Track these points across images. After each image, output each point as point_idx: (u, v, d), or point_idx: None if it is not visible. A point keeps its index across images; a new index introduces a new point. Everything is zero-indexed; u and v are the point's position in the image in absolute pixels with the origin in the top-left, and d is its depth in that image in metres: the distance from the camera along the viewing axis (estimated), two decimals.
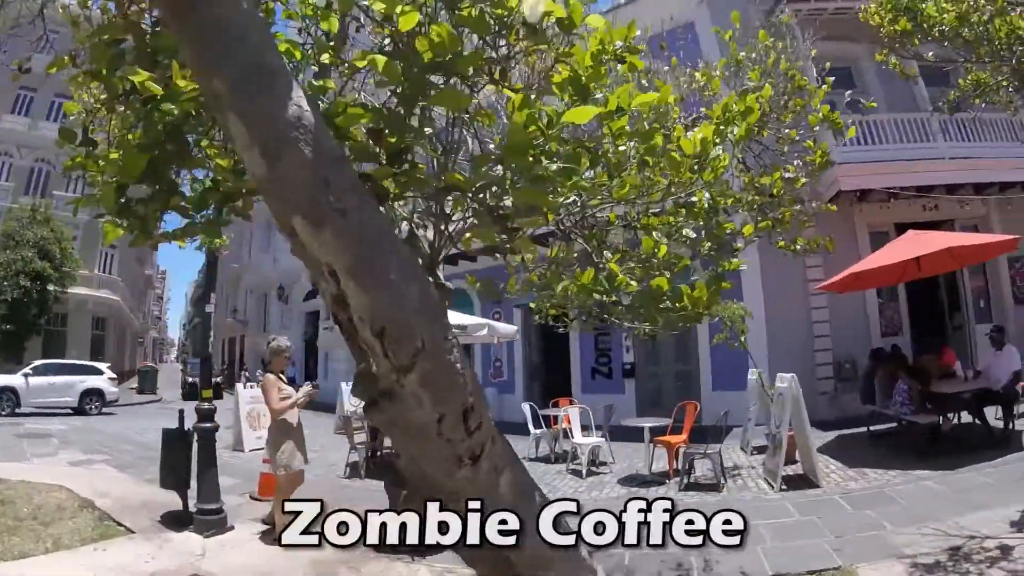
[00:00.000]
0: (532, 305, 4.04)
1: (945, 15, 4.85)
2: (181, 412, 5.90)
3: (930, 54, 5.74)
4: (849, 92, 5.88)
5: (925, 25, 4.83)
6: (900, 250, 8.02)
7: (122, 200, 1.86)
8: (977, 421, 7.48)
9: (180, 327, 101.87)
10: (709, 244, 2.78)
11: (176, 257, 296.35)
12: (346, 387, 13.47)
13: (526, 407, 9.16)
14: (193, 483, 5.68)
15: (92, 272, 25.81)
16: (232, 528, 5.54)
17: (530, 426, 8.94)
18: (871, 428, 8.37)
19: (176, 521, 5.59)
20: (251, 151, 1.19)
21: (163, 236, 2.15)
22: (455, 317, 8.92)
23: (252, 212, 2.14)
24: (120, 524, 5.53)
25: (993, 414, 7.41)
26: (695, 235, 2.65)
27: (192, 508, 5.57)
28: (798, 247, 3.64)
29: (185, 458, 5.65)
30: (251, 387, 11.29)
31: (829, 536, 4.95)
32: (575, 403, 9.59)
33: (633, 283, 2.28)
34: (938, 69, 9.06)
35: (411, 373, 1.26)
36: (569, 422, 8.28)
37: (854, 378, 9.92)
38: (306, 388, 5.53)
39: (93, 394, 17.04)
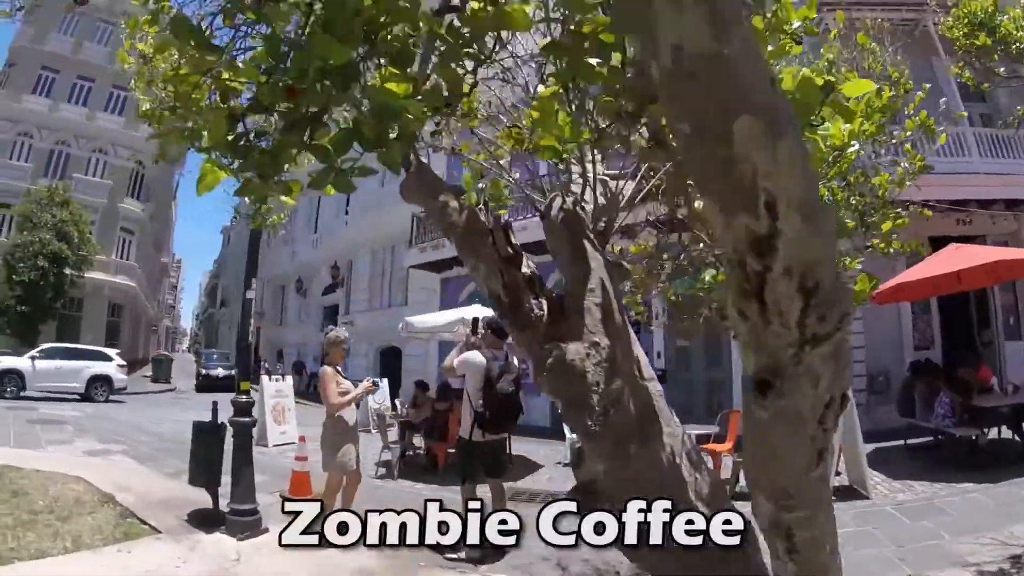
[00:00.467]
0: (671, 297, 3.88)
1: (1022, 32, 4.83)
2: (215, 404, 5.62)
3: (1001, 69, 5.70)
4: (943, 99, 5.82)
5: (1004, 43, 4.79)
6: (941, 263, 7.94)
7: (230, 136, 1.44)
8: (1016, 437, 7.42)
9: (193, 317, 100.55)
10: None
11: (191, 246, 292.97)
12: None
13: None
14: (224, 479, 5.41)
15: (110, 257, 25.80)
16: (267, 530, 5.23)
17: (566, 430, 8.67)
18: (908, 441, 8.27)
19: (205, 521, 5.28)
20: (693, 9, 0.84)
21: (280, 185, 1.65)
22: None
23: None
24: (144, 522, 5.20)
25: None
26: None
27: (224, 507, 5.30)
28: (891, 250, 3.55)
29: (218, 453, 5.38)
30: (276, 380, 11.11)
31: (891, 546, 4.92)
32: None
33: None
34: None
35: (824, 344, 0.97)
36: None
37: (887, 391, 9.78)
38: (365, 384, 5.36)
39: (100, 380, 16.83)
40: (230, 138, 1.46)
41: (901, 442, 8.31)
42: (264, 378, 11.01)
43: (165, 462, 8.00)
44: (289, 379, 11.56)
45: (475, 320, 5.39)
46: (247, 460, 5.30)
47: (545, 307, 1.57)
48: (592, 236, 1.62)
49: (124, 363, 18.23)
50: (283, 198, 1.84)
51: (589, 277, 1.51)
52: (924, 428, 8.20)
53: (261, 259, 30.28)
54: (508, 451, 5.21)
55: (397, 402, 10.95)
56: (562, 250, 1.60)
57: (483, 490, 4.78)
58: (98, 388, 16.70)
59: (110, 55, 24.16)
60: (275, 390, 10.61)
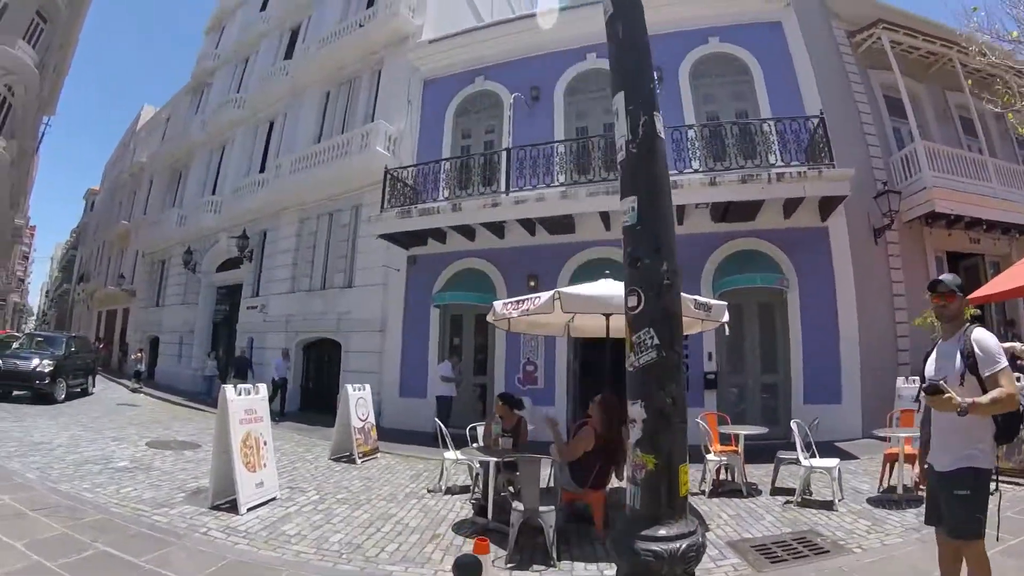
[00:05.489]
0: None
1: None
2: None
3: None
4: None
5: None
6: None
7: None
8: None
9: (43, 294, 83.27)
10: None
11: (46, 211, 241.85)
12: (354, 391, 9.46)
13: (701, 422, 7.26)
14: None
15: None
16: None
17: (716, 447, 7.40)
18: None
19: None
20: None
21: None
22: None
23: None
24: None
25: None
26: None
27: None
28: None
29: None
30: (243, 391, 6.50)
31: None
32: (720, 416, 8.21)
33: None
34: None
35: None
36: (736, 443, 7.32)
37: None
38: None
39: None
40: None
41: None
42: (227, 389, 6.30)
43: (89, 551, 4.29)
44: (263, 388, 6.98)
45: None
46: None
47: None
48: None
49: None
50: None
51: None
52: None
53: (136, 225, 24.94)
54: None
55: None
56: None
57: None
58: None
59: None
60: (244, 409, 6.40)
